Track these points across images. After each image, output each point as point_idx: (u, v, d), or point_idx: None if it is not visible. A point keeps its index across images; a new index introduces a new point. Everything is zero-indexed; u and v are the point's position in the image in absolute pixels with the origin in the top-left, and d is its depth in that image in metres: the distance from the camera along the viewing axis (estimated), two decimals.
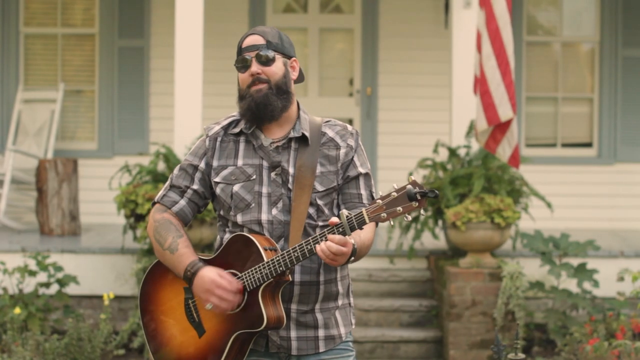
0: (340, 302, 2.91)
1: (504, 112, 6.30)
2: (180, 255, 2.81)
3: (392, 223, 2.62)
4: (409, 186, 2.56)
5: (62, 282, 6.49)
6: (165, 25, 8.81)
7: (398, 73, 9.04)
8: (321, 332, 2.86)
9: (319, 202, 2.84)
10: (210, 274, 2.73)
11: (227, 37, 8.83)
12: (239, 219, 2.85)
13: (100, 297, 6.81)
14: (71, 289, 6.75)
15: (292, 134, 2.87)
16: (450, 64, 7.32)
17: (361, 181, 2.89)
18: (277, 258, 2.70)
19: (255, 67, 2.84)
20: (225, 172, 2.88)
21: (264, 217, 2.82)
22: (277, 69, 2.86)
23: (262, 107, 2.82)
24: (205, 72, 7.31)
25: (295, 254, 2.68)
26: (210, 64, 7.93)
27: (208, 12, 7.74)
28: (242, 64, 2.86)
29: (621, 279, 6.30)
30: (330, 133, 2.91)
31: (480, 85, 6.39)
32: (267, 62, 2.85)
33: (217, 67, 8.55)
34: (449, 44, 7.40)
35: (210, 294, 2.73)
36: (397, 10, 9.05)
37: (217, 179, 2.89)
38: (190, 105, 6.94)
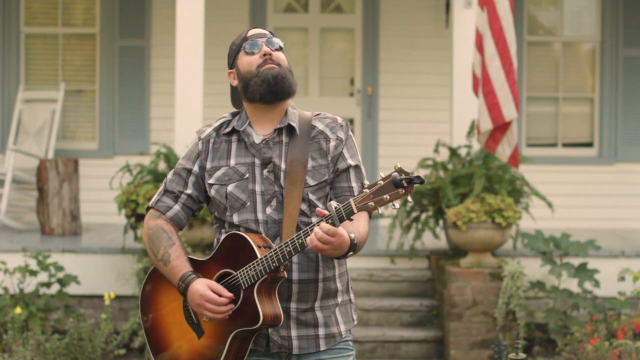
0: (340, 299, 2.91)
1: (508, 112, 6.30)
2: (173, 269, 2.83)
3: (380, 212, 2.59)
4: (395, 173, 2.55)
5: (62, 282, 6.49)
6: (165, 25, 8.82)
7: (399, 73, 9.03)
8: (321, 331, 2.86)
9: (312, 197, 2.83)
10: (199, 288, 2.75)
11: (227, 37, 8.79)
12: (235, 218, 2.85)
13: (101, 297, 6.81)
14: (72, 289, 6.75)
15: (279, 126, 2.87)
16: (451, 64, 7.33)
17: (351, 174, 2.88)
18: (270, 254, 2.70)
19: (267, 49, 2.86)
20: (218, 173, 2.88)
21: (260, 216, 2.82)
22: (284, 57, 2.89)
23: (279, 80, 2.82)
24: (206, 72, 7.31)
25: (287, 249, 2.68)
26: (210, 64, 7.93)
27: (209, 12, 7.74)
28: (252, 47, 2.86)
29: (622, 278, 6.30)
30: (320, 126, 2.91)
31: (484, 85, 6.38)
32: (276, 48, 2.87)
33: (218, 67, 8.53)
34: (450, 43, 7.40)
35: (202, 308, 2.75)
36: (397, 10, 9.04)
37: (211, 181, 2.89)
38: (190, 105, 6.94)
